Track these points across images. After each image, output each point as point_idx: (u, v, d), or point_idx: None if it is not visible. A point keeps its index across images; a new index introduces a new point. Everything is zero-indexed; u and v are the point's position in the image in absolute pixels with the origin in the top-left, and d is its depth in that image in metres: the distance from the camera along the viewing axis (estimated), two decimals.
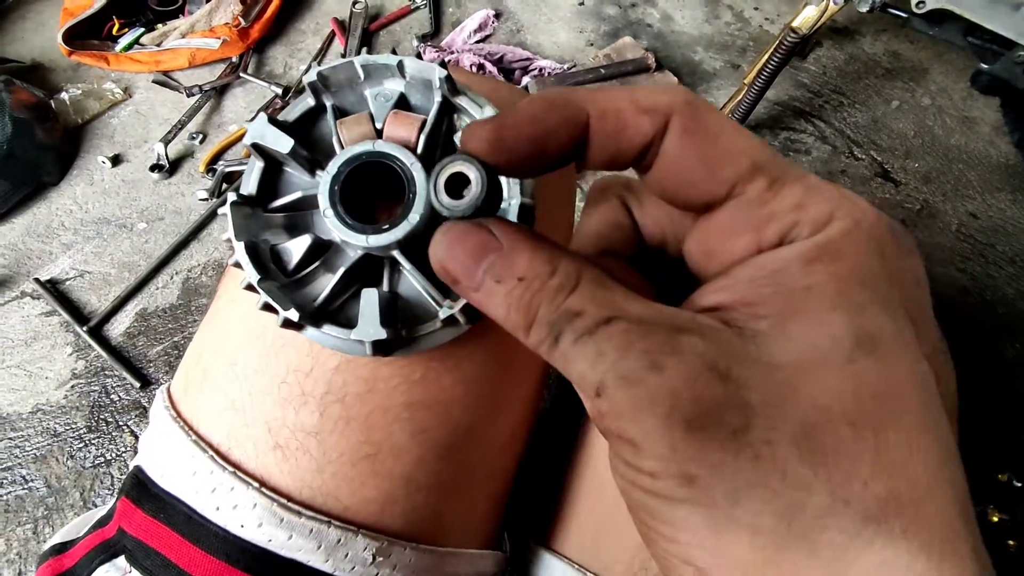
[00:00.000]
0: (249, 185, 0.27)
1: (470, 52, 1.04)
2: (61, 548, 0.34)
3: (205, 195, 0.91)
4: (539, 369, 0.38)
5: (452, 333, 0.28)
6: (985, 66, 0.64)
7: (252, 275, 0.25)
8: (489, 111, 0.27)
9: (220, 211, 0.26)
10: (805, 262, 0.17)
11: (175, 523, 0.29)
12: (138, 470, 0.32)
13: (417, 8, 1.12)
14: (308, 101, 0.28)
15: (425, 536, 0.31)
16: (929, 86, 1.02)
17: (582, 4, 1.13)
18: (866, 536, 0.15)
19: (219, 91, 1.03)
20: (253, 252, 0.26)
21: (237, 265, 0.26)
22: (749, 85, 0.84)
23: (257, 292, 0.25)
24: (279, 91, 1.00)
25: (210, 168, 0.94)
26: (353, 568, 0.29)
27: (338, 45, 1.08)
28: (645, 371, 0.15)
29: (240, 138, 0.97)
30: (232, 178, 0.93)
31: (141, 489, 0.31)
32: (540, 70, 1.02)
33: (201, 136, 0.98)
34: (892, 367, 0.16)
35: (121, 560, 0.30)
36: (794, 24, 0.73)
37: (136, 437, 0.77)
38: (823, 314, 0.16)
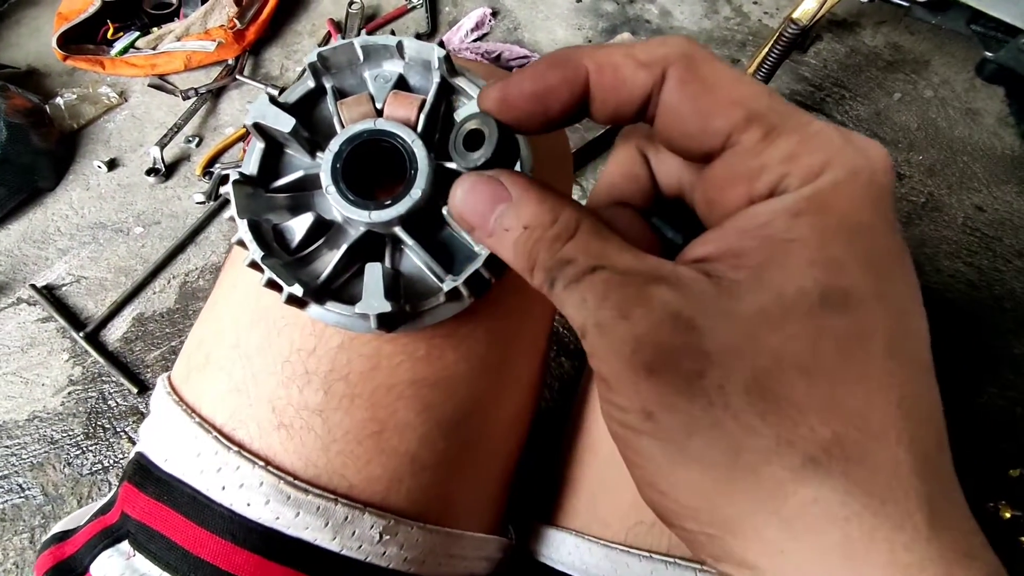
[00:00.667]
0: (250, 165, 0.27)
1: (467, 51, 1.03)
2: (62, 536, 0.34)
3: (202, 198, 0.90)
4: (541, 352, 0.38)
5: (455, 308, 0.28)
6: (990, 54, 0.62)
7: (256, 252, 0.25)
8: None
9: (222, 190, 0.26)
10: (791, 215, 0.17)
11: (179, 505, 0.29)
12: (140, 456, 0.31)
13: (413, 7, 1.11)
14: (308, 83, 0.28)
15: (432, 516, 0.31)
16: (931, 78, 1.01)
17: (580, 1, 1.12)
18: (805, 475, 0.16)
19: (215, 94, 1.02)
20: (256, 230, 0.26)
21: (240, 243, 0.26)
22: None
23: (261, 269, 0.25)
24: (276, 93, 0.99)
25: (207, 171, 0.93)
26: (360, 546, 0.29)
27: None
28: (615, 319, 0.17)
29: (237, 140, 0.96)
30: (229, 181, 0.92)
31: (144, 473, 0.30)
32: None
33: (197, 139, 0.97)
34: (861, 321, 0.17)
35: (124, 545, 0.30)
36: (794, 16, 0.72)
37: (134, 443, 0.76)
38: (797, 268, 0.17)
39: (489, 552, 0.36)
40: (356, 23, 1.08)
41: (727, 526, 0.17)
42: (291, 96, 0.28)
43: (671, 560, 0.32)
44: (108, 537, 0.31)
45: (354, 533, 0.28)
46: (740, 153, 0.18)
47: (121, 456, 0.75)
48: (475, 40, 1.06)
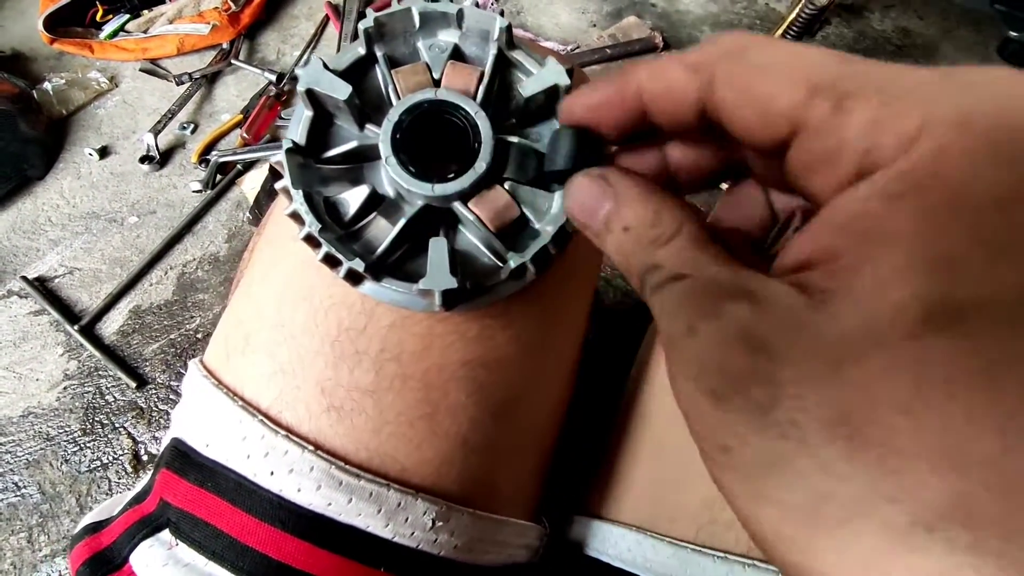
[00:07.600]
0: (299, 134, 0.26)
1: None
2: (96, 527, 0.32)
3: (198, 187, 0.88)
4: (582, 334, 0.38)
5: (516, 286, 0.27)
6: (1014, 34, 0.61)
7: (313, 224, 0.24)
8: (552, 66, 0.26)
9: (273, 159, 0.26)
10: (887, 199, 0.14)
11: (224, 491, 0.28)
12: (177, 442, 0.30)
13: None
14: (359, 50, 0.27)
15: (479, 502, 0.31)
16: (940, 63, 0.99)
17: None
18: (915, 542, 0.12)
19: (210, 79, 0.99)
20: (310, 202, 0.25)
21: (295, 216, 0.25)
22: None
23: (317, 243, 0.24)
24: (273, 78, 0.96)
25: (203, 159, 0.90)
26: (413, 533, 0.28)
27: (333, 30, 1.05)
28: (682, 334, 0.16)
29: (234, 127, 0.93)
30: (226, 169, 0.90)
31: (184, 459, 0.29)
32: None
33: (192, 126, 0.94)
34: (981, 344, 0.12)
35: (165, 534, 0.29)
36: None
37: (133, 439, 0.74)
38: (893, 274, 0.13)
39: (529, 540, 0.35)
40: (355, 6, 1.05)
41: None
42: (340, 63, 0.27)
43: (749, 562, 0.31)
44: (147, 526, 0.30)
45: (407, 520, 0.28)
46: (811, 134, 0.15)
47: (121, 452, 0.73)
48: None
